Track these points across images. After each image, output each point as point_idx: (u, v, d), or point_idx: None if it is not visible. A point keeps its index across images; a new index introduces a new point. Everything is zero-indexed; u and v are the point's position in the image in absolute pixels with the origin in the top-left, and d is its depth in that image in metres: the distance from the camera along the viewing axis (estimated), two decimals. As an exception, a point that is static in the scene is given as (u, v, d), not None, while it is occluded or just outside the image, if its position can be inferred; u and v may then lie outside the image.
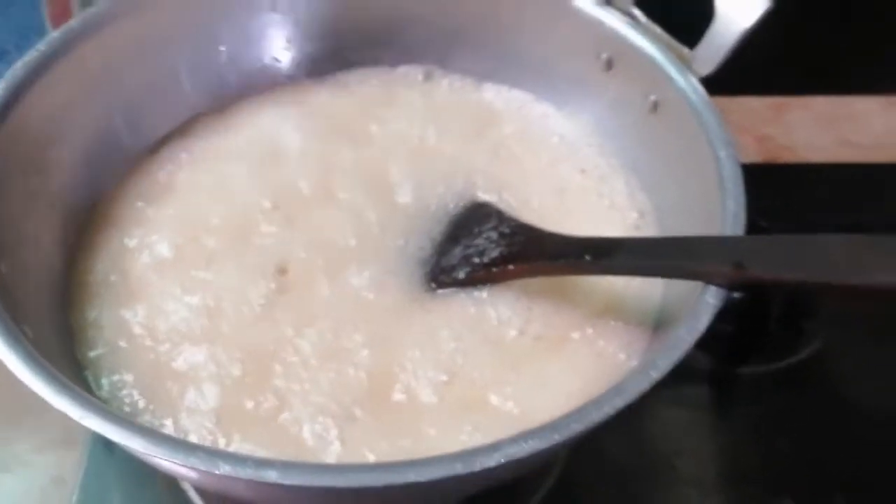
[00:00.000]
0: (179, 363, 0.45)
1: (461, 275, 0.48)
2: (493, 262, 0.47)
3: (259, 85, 0.59)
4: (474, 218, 0.50)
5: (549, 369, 0.45)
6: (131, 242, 0.50)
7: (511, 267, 0.46)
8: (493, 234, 0.48)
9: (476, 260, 0.47)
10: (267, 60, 0.60)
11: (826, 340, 0.59)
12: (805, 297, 0.61)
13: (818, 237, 0.39)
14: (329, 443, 0.42)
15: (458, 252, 0.49)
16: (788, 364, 0.59)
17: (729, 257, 0.39)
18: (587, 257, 0.44)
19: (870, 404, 0.58)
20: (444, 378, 0.44)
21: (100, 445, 0.53)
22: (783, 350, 0.59)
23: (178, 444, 0.34)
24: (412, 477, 0.33)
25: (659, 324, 0.46)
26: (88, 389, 0.43)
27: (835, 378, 0.59)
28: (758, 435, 0.56)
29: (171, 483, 0.52)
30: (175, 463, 0.33)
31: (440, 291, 0.48)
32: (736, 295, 0.41)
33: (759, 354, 0.59)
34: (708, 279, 0.39)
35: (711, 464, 0.55)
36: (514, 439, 0.34)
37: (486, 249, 0.47)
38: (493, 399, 0.44)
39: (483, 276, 0.47)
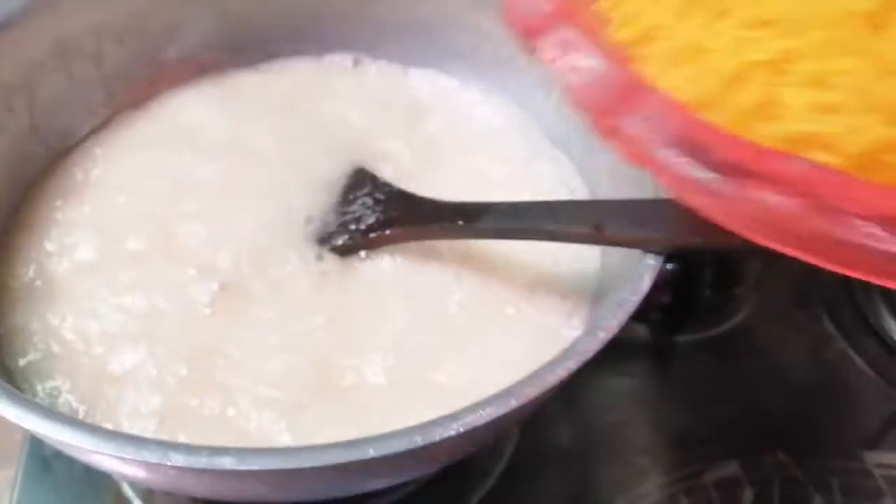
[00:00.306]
0: (116, 366, 0.43)
1: (339, 241, 0.48)
2: (370, 228, 0.47)
3: (183, 76, 0.58)
4: (350, 184, 0.50)
5: (492, 344, 0.45)
6: (51, 245, 0.49)
7: (387, 232, 0.47)
8: (369, 200, 0.48)
9: (353, 226, 0.48)
10: (191, 51, 0.58)
11: (756, 306, 0.61)
12: (733, 266, 0.63)
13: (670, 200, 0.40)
14: (278, 434, 0.41)
15: (335, 219, 0.49)
16: (723, 330, 0.60)
17: (588, 219, 0.42)
18: (459, 221, 0.45)
19: (799, 364, 0.60)
20: (391, 359, 0.44)
21: (35, 461, 0.50)
22: (717, 317, 0.61)
23: (128, 439, 0.33)
24: (371, 452, 0.33)
25: (598, 296, 0.47)
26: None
27: (767, 341, 0.61)
28: (700, 400, 0.57)
29: (115, 498, 0.50)
30: (125, 459, 0.32)
31: (376, 274, 0.48)
32: (669, 266, 0.42)
33: (694, 322, 0.60)
34: (568, 239, 0.42)
35: (659, 432, 0.56)
36: (472, 408, 0.34)
37: (363, 216, 0.48)
38: (441, 377, 0.44)
39: (361, 242, 0.47)
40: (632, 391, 0.58)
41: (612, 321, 0.37)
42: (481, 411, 0.34)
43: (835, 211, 0.27)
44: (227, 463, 0.32)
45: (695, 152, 0.29)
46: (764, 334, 0.61)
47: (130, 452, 0.32)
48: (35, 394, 0.42)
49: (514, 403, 0.34)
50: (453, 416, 0.34)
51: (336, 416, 0.42)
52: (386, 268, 0.48)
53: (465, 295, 0.47)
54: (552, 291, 0.48)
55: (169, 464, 0.32)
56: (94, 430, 0.33)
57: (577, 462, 0.54)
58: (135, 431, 0.41)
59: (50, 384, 0.42)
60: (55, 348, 0.44)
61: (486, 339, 0.46)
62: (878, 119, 0.28)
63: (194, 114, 0.56)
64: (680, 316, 0.60)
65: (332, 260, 0.48)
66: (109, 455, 0.32)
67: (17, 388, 0.42)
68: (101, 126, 0.56)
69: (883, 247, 0.26)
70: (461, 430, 0.33)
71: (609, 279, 0.46)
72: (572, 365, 0.36)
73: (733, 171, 0.28)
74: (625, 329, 0.37)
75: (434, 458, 0.38)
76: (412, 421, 0.40)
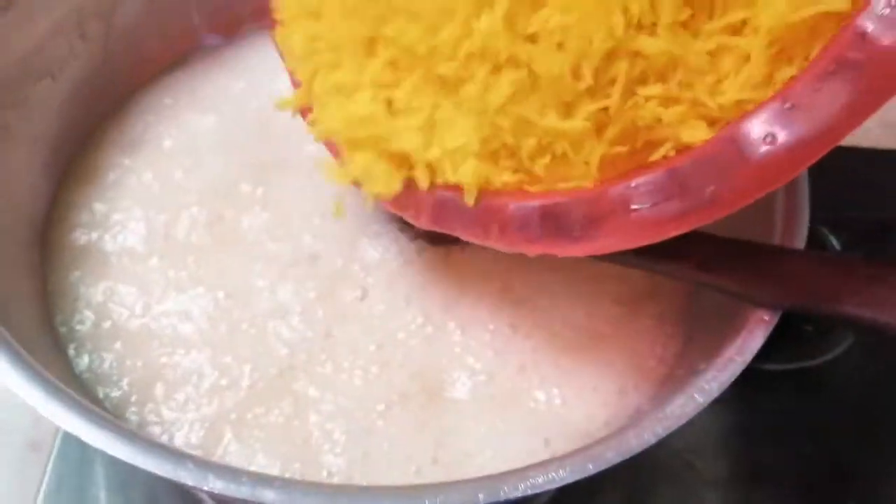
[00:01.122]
0: (169, 368, 0.40)
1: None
2: None
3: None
4: None
5: (587, 363, 0.41)
6: (102, 211, 0.45)
7: None
8: None
9: None
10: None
11: (853, 343, 0.56)
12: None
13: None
14: (330, 448, 0.38)
15: None
16: (815, 363, 0.55)
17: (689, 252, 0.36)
18: None
19: (891, 409, 0.55)
20: (481, 375, 0.40)
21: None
22: (810, 348, 0.55)
23: (167, 455, 0.30)
24: (428, 504, 0.29)
25: (696, 320, 0.42)
26: (66, 365, 0.39)
27: (859, 380, 0.56)
28: (780, 435, 0.53)
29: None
30: (162, 475, 0.30)
31: (481, 265, 0.43)
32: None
33: (786, 351, 0.55)
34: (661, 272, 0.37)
35: (731, 465, 0.52)
36: (544, 468, 0.30)
37: None
38: (528, 401, 0.40)
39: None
40: (707, 416, 0.53)
41: (714, 385, 0.33)
42: (553, 474, 0.30)
43: None
44: (269, 497, 0.29)
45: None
46: (857, 373, 0.56)
47: (168, 471, 0.29)
48: (81, 364, 0.39)
49: (590, 469, 0.31)
50: (522, 475, 0.30)
51: (410, 429, 0.38)
52: (485, 260, 0.43)
53: (570, 312, 0.43)
54: (648, 309, 0.43)
55: (206, 488, 0.29)
56: (131, 438, 0.30)
57: (637, 488, 0.50)
58: (181, 432, 0.38)
59: (97, 359, 0.40)
60: (105, 325, 0.41)
61: (584, 358, 0.41)
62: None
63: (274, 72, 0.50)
64: (773, 343, 0.55)
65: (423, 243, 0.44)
66: (145, 468, 0.30)
67: (63, 351, 0.39)
68: (178, 65, 0.52)
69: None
70: (528, 491, 0.30)
71: (709, 308, 0.41)
72: (660, 431, 0.32)
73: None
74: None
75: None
76: (492, 444, 0.38)
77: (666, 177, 0.30)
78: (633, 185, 0.31)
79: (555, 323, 0.42)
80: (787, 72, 0.28)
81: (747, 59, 0.29)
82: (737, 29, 0.29)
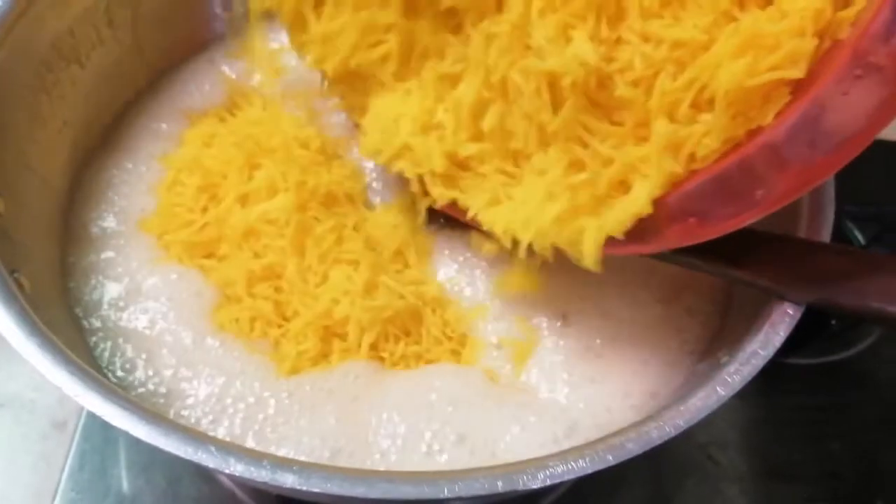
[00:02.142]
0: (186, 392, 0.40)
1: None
2: None
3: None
4: None
5: (618, 368, 0.41)
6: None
7: None
8: None
9: None
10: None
11: (881, 336, 0.55)
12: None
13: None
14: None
15: None
16: (841, 357, 0.55)
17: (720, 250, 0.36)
18: None
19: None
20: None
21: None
22: (836, 343, 0.55)
23: (187, 438, 0.30)
24: (445, 492, 0.30)
25: (728, 315, 0.42)
26: (88, 351, 0.39)
27: (887, 375, 0.55)
28: (804, 430, 0.52)
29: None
30: (184, 457, 0.30)
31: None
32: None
33: (811, 345, 0.54)
34: (691, 268, 0.37)
35: (754, 460, 0.51)
36: (564, 458, 0.30)
37: None
38: (557, 396, 0.40)
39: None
40: (731, 411, 0.53)
41: (737, 378, 0.33)
42: (573, 463, 0.30)
43: None
44: (289, 480, 0.29)
45: None
46: (884, 367, 0.55)
47: (189, 453, 0.30)
48: (97, 350, 0.40)
49: (610, 460, 0.31)
50: (541, 465, 0.30)
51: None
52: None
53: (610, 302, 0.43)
54: (684, 303, 0.43)
55: (227, 471, 0.29)
56: (152, 419, 0.30)
57: (661, 482, 0.50)
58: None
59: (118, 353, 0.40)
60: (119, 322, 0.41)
61: (620, 356, 0.41)
62: None
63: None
64: (799, 336, 0.54)
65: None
66: (167, 450, 0.30)
67: (85, 341, 0.40)
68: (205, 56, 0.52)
69: None
70: (548, 481, 0.30)
71: (740, 303, 0.41)
72: (681, 424, 0.32)
73: None
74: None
75: (511, 496, 0.35)
76: (516, 441, 0.38)
77: (716, 184, 0.31)
78: (687, 191, 0.32)
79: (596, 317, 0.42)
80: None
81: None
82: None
